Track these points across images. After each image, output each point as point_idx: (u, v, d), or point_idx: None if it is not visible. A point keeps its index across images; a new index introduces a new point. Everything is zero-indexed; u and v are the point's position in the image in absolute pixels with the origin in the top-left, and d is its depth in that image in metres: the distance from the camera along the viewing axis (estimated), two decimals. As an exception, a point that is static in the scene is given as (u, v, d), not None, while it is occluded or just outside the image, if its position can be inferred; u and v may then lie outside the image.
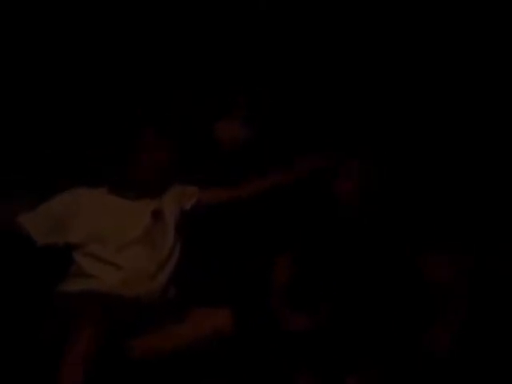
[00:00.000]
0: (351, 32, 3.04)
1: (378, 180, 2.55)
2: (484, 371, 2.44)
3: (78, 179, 2.60)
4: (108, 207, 2.52)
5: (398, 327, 2.38)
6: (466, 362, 2.40)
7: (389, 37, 3.02)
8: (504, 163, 2.88)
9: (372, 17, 3.03)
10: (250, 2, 3.14)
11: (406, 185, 2.77)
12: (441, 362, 2.34)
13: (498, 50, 2.94)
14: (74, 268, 2.48)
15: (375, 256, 2.45)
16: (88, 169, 2.73)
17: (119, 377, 2.30)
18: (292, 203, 2.71)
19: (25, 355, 2.34)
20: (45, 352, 2.28)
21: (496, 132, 2.91)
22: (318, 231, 2.53)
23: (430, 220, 2.63)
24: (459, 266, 2.46)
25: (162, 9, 3.07)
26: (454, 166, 2.88)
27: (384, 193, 2.56)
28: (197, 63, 3.07)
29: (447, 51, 2.97)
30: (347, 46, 3.03)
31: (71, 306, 2.30)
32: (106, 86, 2.95)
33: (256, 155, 2.85)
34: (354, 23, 3.03)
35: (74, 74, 2.95)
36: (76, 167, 2.77)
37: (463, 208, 2.79)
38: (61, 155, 2.82)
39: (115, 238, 2.46)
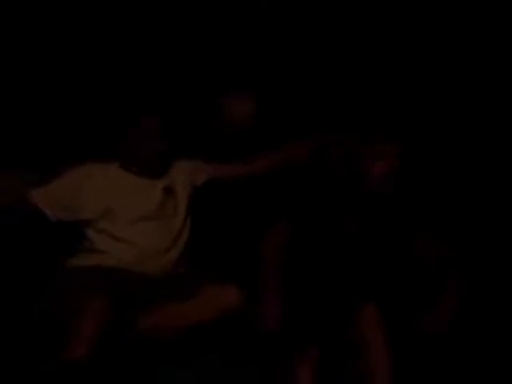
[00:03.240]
0: (354, 29, 3.13)
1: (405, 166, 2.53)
2: (481, 350, 2.50)
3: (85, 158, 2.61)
4: (120, 183, 2.53)
5: (398, 307, 2.43)
6: (464, 341, 2.47)
7: (390, 37, 3.12)
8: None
9: (374, 18, 3.13)
10: (251, 6, 3.22)
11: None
12: (440, 341, 2.40)
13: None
14: (87, 244, 2.49)
15: (377, 236, 2.47)
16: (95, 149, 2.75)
17: (127, 350, 2.32)
18: (301, 178, 2.74)
19: (35, 329, 2.35)
20: (54, 326, 2.29)
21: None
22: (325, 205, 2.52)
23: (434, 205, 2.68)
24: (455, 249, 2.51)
25: (167, 10, 3.14)
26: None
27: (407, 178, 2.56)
28: (200, 58, 3.13)
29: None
30: (353, 40, 3.11)
31: (82, 280, 2.31)
32: (111, 75, 2.99)
33: (264, 132, 2.89)
34: (357, 21, 3.12)
35: (79, 63, 2.99)
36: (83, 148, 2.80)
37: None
38: (68, 137, 2.86)
39: (127, 214, 2.47)
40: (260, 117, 2.90)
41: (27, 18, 2.94)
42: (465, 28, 3.04)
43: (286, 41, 3.17)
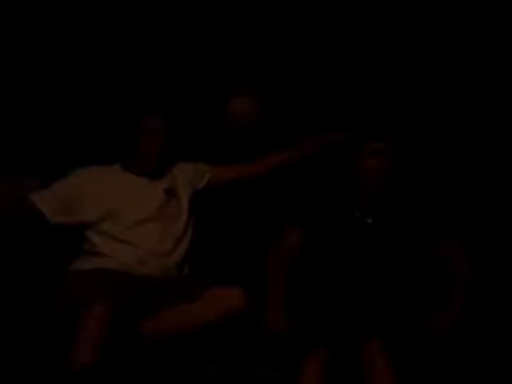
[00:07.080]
0: (354, 27, 3.11)
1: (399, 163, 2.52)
2: (485, 352, 2.49)
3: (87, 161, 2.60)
4: (122, 185, 2.51)
5: (403, 307, 2.40)
6: (464, 345, 2.45)
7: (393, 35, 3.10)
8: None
9: (374, 15, 3.11)
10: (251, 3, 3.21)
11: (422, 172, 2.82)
12: (439, 343, 2.37)
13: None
14: (88, 246, 2.46)
15: (387, 238, 2.46)
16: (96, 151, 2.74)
17: (130, 354, 2.29)
18: (303, 179, 2.74)
19: (37, 333, 2.33)
20: (56, 329, 2.28)
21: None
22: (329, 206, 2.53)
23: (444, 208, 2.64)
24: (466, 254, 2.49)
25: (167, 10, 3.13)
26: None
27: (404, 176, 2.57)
28: (200, 56, 3.12)
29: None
30: (352, 38, 3.09)
31: (84, 285, 2.28)
32: (112, 75, 2.98)
33: (267, 132, 2.87)
34: (357, 19, 3.11)
35: (82, 62, 2.98)
36: (84, 150, 2.78)
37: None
38: (69, 139, 2.84)
39: (129, 216, 2.45)
40: (264, 115, 2.88)
41: (29, 21, 2.93)
42: (462, 28, 3.01)
43: (286, 38, 3.16)
